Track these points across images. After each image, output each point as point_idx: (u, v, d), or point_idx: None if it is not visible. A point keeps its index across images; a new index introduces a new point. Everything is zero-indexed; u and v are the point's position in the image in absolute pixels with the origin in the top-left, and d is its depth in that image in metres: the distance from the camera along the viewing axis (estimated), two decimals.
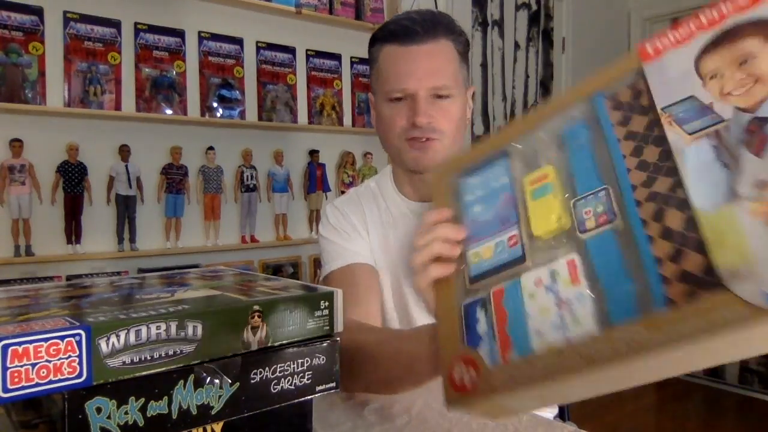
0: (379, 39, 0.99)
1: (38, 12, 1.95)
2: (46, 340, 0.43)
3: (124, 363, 0.47)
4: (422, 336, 0.68)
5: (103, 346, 0.46)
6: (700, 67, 0.44)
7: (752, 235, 0.37)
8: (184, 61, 2.22)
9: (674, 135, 0.44)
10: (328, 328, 0.60)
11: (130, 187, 2.11)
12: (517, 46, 3.24)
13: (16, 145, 1.91)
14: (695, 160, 0.42)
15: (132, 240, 2.13)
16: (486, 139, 0.59)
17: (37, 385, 0.43)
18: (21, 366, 0.42)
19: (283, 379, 0.57)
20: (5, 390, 0.42)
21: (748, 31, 0.43)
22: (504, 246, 0.52)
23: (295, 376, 0.57)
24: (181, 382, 0.50)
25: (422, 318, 0.99)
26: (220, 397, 0.53)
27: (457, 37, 0.97)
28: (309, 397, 0.59)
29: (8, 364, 0.42)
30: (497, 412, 0.53)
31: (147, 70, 2.15)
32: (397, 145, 0.98)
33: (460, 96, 0.97)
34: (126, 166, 2.10)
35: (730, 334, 0.37)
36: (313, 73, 2.57)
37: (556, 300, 0.46)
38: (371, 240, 1.04)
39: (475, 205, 0.57)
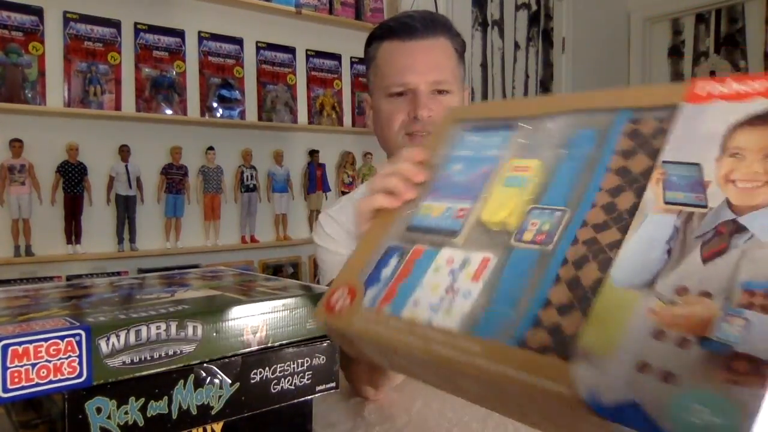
0: (377, 37, 1.00)
1: (38, 12, 1.95)
2: (46, 340, 0.43)
3: (124, 363, 0.47)
4: None
5: (103, 346, 0.46)
6: (731, 136, 0.38)
7: (631, 331, 0.34)
8: (184, 61, 2.22)
9: (651, 195, 0.40)
10: None
11: (130, 187, 2.11)
12: (517, 46, 3.24)
13: (16, 145, 1.91)
14: (648, 231, 0.38)
15: (132, 240, 2.13)
16: (504, 103, 0.56)
17: (37, 385, 0.43)
18: (21, 366, 0.42)
19: (283, 379, 0.57)
20: (5, 390, 0.42)
21: None
22: (451, 213, 0.51)
23: (295, 376, 0.57)
24: (181, 382, 0.50)
25: None
26: (220, 397, 0.53)
27: (454, 36, 1.00)
28: (309, 397, 0.60)
29: (8, 364, 0.42)
30: (347, 347, 0.54)
31: (147, 70, 2.15)
32: (396, 140, 0.98)
33: (458, 93, 0.99)
34: (126, 166, 2.10)
35: (542, 399, 0.35)
36: (313, 73, 2.57)
37: (449, 285, 0.46)
38: None
39: (458, 162, 0.55)
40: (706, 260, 0.35)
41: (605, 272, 0.38)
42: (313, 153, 2.57)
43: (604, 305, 0.36)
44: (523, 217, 0.46)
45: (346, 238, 1.03)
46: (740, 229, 0.35)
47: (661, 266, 0.36)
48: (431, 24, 0.96)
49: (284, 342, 0.57)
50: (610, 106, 0.46)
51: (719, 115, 0.39)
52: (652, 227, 0.38)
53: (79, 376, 0.45)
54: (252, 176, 2.39)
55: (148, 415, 0.48)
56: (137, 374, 0.47)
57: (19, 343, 0.42)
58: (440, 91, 0.96)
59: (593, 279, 0.38)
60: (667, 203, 0.39)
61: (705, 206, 0.37)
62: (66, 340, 0.44)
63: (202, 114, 2.27)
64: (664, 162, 0.40)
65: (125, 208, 2.11)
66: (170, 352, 0.49)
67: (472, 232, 0.48)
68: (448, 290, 0.45)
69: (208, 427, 0.53)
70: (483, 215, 0.49)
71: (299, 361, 0.58)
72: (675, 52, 3.53)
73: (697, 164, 0.39)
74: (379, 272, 0.51)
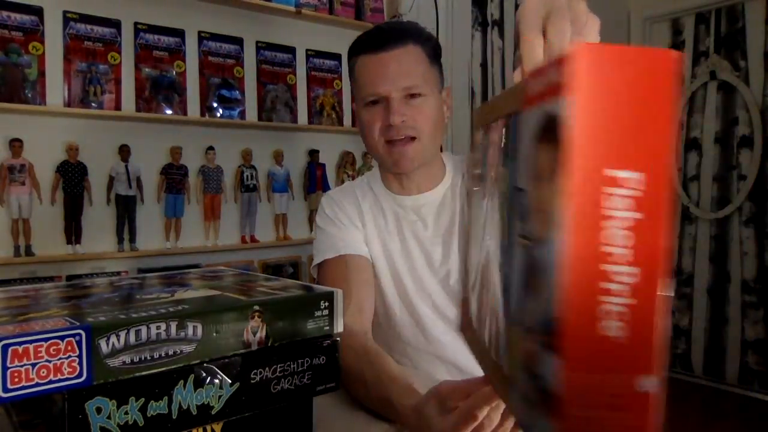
0: (353, 52, 1.06)
1: (38, 12, 1.95)
2: (46, 340, 0.43)
3: (124, 363, 0.47)
4: (407, 406, 0.67)
5: (103, 346, 0.46)
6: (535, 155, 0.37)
7: (518, 365, 0.35)
8: (184, 61, 2.22)
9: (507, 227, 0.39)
10: (328, 328, 0.60)
11: (130, 187, 2.11)
12: (517, 46, 3.24)
13: (16, 145, 1.91)
14: (515, 265, 0.40)
15: (132, 240, 2.13)
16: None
17: (37, 385, 0.43)
18: (21, 366, 0.42)
19: (283, 379, 0.57)
20: (5, 390, 0.42)
21: None
22: None
23: (295, 376, 0.57)
24: (181, 382, 0.50)
25: (422, 305, 1.04)
26: (220, 397, 0.53)
27: (425, 41, 1.04)
28: (309, 397, 0.60)
29: (8, 364, 0.42)
30: None
31: (147, 70, 2.15)
32: (377, 148, 1.04)
33: (433, 95, 1.03)
34: (126, 166, 2.10)
35: None
36: (313, 73, 2.57)
37: None
38: (367, 230, 1.08)
39: None
40: (527, 295, 0.33)
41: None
42: (313, 153, 2.57)
43: (510, 337, 0.37)
44: None
45: (346, 221, 1.08)
46: None
47: (523, 302, 0.34)
48: (399, 33, 1.02)
49: (284, 342, 0.57)
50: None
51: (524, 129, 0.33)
52: (515, 262, 0.36)
53: (79, 376, 0.45)
54: (252, 176, 2.39)
55: (148, 415, 0.48)
56: (137, 374, 0.47)
57: (19, 343, 0.42)
58: (413, 96, 1.00)
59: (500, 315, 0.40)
60: (520, 236, 0.35)
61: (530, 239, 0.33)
62: (66, 340, 0.44)
63: (202, 114, 2.27)
64: (515, 188, 0.35)
65: (125, 208, 2.11)
66: (170, 352, 0.49)
67: None
68: None
69: (208, 427, 0.53)
70: None
71: (299, 361, 0.58)
72: None
73: (523, 189, 0.34)
74: None
